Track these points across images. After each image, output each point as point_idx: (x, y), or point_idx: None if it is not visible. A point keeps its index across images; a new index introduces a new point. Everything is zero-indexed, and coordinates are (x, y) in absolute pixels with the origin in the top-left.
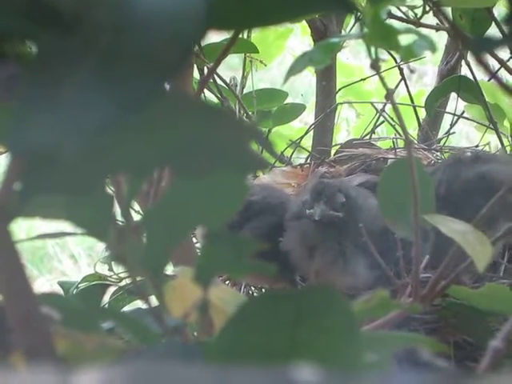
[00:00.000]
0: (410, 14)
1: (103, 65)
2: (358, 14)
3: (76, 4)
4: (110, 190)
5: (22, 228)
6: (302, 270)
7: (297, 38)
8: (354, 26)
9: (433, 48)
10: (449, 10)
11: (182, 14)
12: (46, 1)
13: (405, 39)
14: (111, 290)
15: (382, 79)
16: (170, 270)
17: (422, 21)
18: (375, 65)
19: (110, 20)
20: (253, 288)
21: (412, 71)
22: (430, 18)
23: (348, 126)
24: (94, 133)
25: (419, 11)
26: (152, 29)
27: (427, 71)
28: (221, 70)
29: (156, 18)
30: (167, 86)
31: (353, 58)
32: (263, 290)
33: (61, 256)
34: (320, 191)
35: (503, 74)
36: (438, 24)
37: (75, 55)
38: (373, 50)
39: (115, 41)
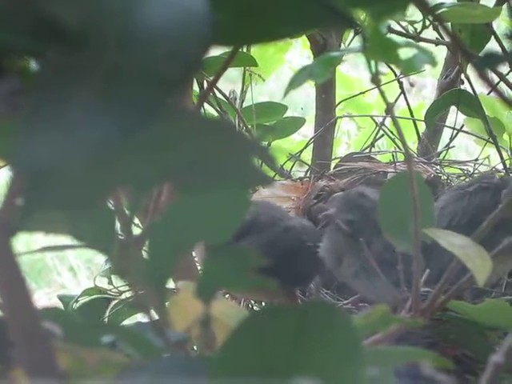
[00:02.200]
0: (410, 28)
1: (108, 82)
2: (358, 28)
3: (81, 21)
4: (109, 204)
5: (21, 240)
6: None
7: (295, 50)
8: (353, 39)
9: (433, 62)
10: (448, 25)
11: (186, 31)
12: (51, 17)
13: (405, 53)
14: (111, 303)
15: (382, 93)
16: (170, 284)
17: (422, 35)
18: (375, 79)
19: (115, 37)
20: (252, 302)
21: (412, 85)
22: (430, 33)
23: (349, 139)
24: (98, 150)
25: (419, 26)
26: (155, 46)
27: (426, 84)
28: (220, 82)
29: (160, 34)
30: (170, 102)
31: (352, 70)
32: (263, 304)
33: (60, 269)
34: (345, 201)
35: (503, 87)
36: (437, 38)
37: (80, 72)
38: (373, 63)
39: (120, 58)
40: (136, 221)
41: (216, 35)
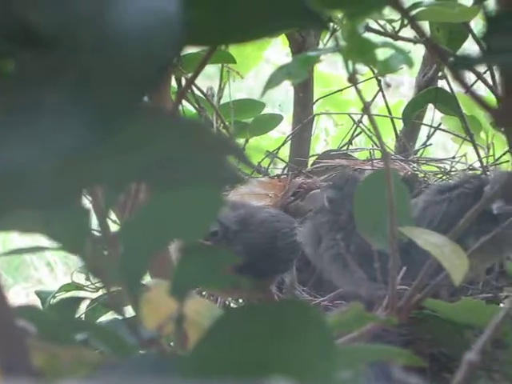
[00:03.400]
0: (388, 27)
1: (81, 84)
2: (336, 27)
3: (54, 23)
4: (87, 200)
5: None
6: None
7: (275, 47)
8: (330, 37)
9: (409, 62)
10: (426, 23)
11: (158, 32)
12: (24, 20)
13: (382, 52)
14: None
15: (359, 92)
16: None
17: (401, 34)
18: (352, 78)
19: (88, 40)
20: (229, 299)
21: (388, 85)
22: (409, 31)
23: (326, 136)
24: (70, 152)
25: (397, 24)
26: (128, 47)
27: (404, 81)
28: (198, 79)
29: (132, 36)
30: (145, 101)
31: (330, 67)
32: (240, 301)
33: (37, 264)
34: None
35: (481, 86)
36: (415, 37)
37: (53, 75)
38: (350, 63)
39: (93, 60)
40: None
41: (189, 36)
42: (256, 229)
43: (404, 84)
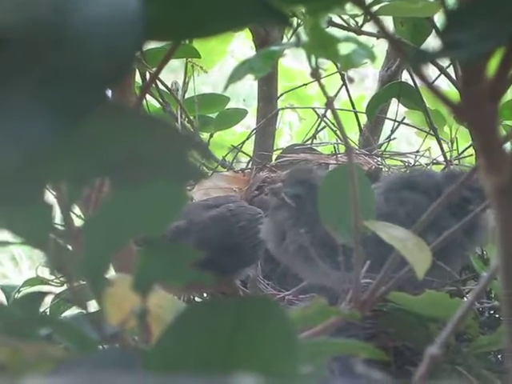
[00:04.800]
0: (351, 22)
1: (43, 79)
2: (299, 21)
3: (15, 21)
4: (51, 194)
5: None
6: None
7: (239, 41)
8: (294, 32)
9: (372, 57)
10: (390, 17)
11: (120, 27)
12: None
13: (345, 47)
14: (53, 294)
15: (322, 87)
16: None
17: (365, 28)
18: (315, 73)
19: (49, 36)
20: (194, 294)
21: (351, 80)
22: (373, 26)
23: (291, 130)
24: (32, 148)
25: (360, 19)
26: (90, 42)
27: (368, 74)
28: (162, 73)
29: (93, 31)
30: (108, 96)
31: (295, 61)
32: (204, 296)
33: (1, 258)
34: (292, 176)
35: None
36: (378, 32)
37: (13, 71)
38: (313, 57)
39: (54, 57)
40: (79, 212)
41: (151, 30)
42: (206, 226)
43: (368, 77)
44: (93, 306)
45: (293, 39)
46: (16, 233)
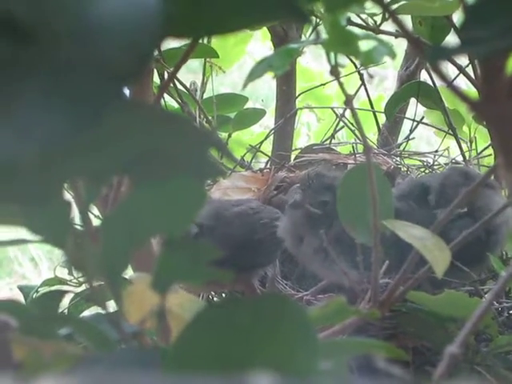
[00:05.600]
0: (370, 21)
1: (60, 74)
2: (318, 20)
3: (32, 14)
4: (69, 194)
5: None
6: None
7: (257, 41)
8: (313, 31)
9: (392, 54)
10: (408, 17)
11: (138, 22)
12: (3, 11)
13: (364, 45)
14: (71, 294)
15: (341, 85)
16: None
17: (382, 27)
18: (334, 71)
19: (67, 31)
20: (212, 293)
21: (371, 76)
22: (391, 25)
23: (309, 130)
24: (49, 145)
25: (379, 18)
26: (108, 37)
27: (388, 75)
28: (181, 73)
29: (112, 26)
30: (126, 94)
31: (314, 61)
32: (223, 295)
33: (21, 259)
34: (308, 181)
35: (464, 79)
36: (397, 31)
37: (33, 65)
38: (332, 55)
39: (72, 52)
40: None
41: (169, 27)
42: (232, 221)
43: (388, 78)
44: (112, 306)
45: (312, 37)
46: (35, 231)
